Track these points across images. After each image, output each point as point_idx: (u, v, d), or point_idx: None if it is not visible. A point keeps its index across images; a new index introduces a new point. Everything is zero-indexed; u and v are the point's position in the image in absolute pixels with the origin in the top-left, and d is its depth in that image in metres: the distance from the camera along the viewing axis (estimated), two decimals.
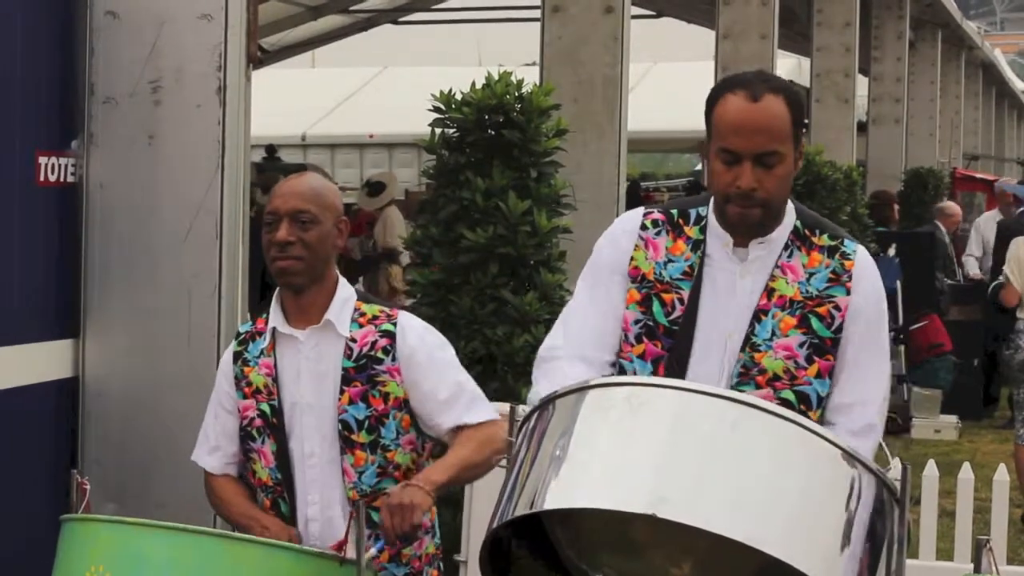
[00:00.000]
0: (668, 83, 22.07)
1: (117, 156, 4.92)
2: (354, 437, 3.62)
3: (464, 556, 5.14)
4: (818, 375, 3.26)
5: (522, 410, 2.94)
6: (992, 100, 35.56)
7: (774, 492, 2.64)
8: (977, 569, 3.08)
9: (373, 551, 3.42)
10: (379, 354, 3.63)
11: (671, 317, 3.30)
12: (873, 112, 20.73)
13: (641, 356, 3.30)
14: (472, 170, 6.04)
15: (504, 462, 2.95)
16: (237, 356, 3.75)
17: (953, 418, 12.02)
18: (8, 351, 4.68)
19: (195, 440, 3.85)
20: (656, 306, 3.31)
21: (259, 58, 5.24)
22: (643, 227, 3.38)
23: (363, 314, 3.68)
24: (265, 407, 3.68)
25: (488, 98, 6.05)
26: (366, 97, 24.38)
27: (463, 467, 3.62)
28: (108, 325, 4.95)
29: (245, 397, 3.71)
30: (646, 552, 2.85)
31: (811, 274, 3.29)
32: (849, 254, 3.32)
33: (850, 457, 2.73)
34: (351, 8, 18.89)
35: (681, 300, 3.30)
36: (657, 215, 3.39)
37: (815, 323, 3.27)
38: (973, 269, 13.97)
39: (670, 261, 3.33)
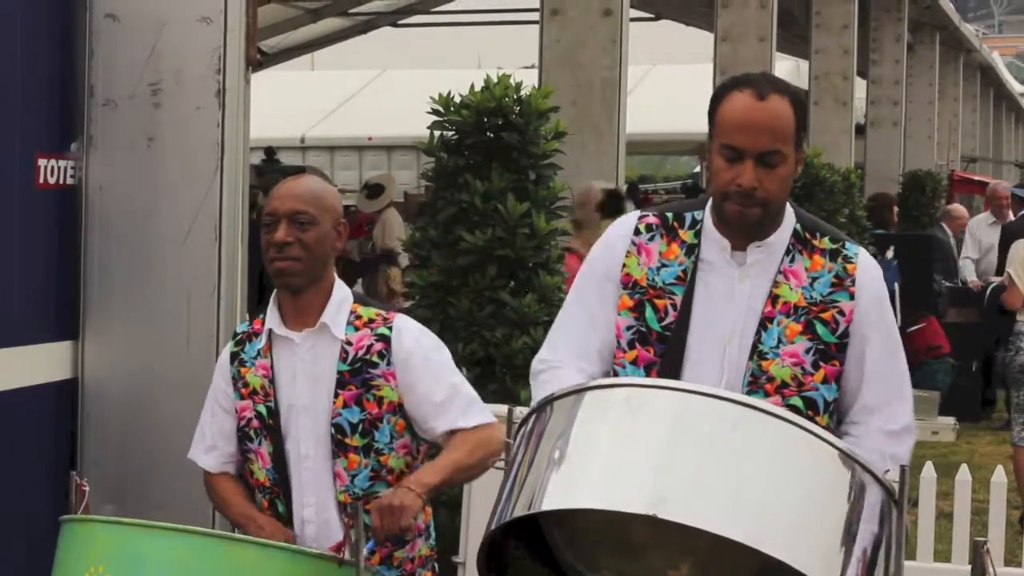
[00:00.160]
0: (667, 85, 22.11)
1: (116, 158, 4.92)
2: (348, 440, 3.62)
3: (462, 558, 5.15)
4: (824, 380, 3.26)
5: (519, 412, 2.95)
6: (990, 102, 35.58)
7: (774, 493, 2.64)
8: (974, 571, 3.08)
9: (363, 553, 3.42)
10: (374, 358, 3.63)
11: (664, 323, 3.29)
12: (871, 114, 20.75)
13: (634, 362, 3.29)
14: (471, 172, 6.05)
15: (502, 464, 2.95)
16: (234, 357, 3.75)
17: (951, 420, 12.01)
18: (7, 353, 4.68)
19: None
20: (649, 312, 3.30)
21: (258, 61, 5.24)
22: (636, 232, 3.37)
23: (359, 317, 3.68)
24: (262, 408, 3.68)
25: (487, 101, 6.06)
26: (365, 100, 24.42)
27: (455, 469, 3.62)
28: (107, 327, 4.95)
29: (242, 398, 3.71)
30: (644, 554, 2.85)
31: (814, 279, 3.28)
32: (851, 257, 3.31)
33: (849, 458, 2.74)
34: (350, 11, 18.93)
35: (674, 306, 3.29)
36: (652, 219, 3.38)
37: (820, 329, 3.26)
38: (971, 275, 13.97)
39: (663, 266, 3.32)
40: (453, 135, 6.16)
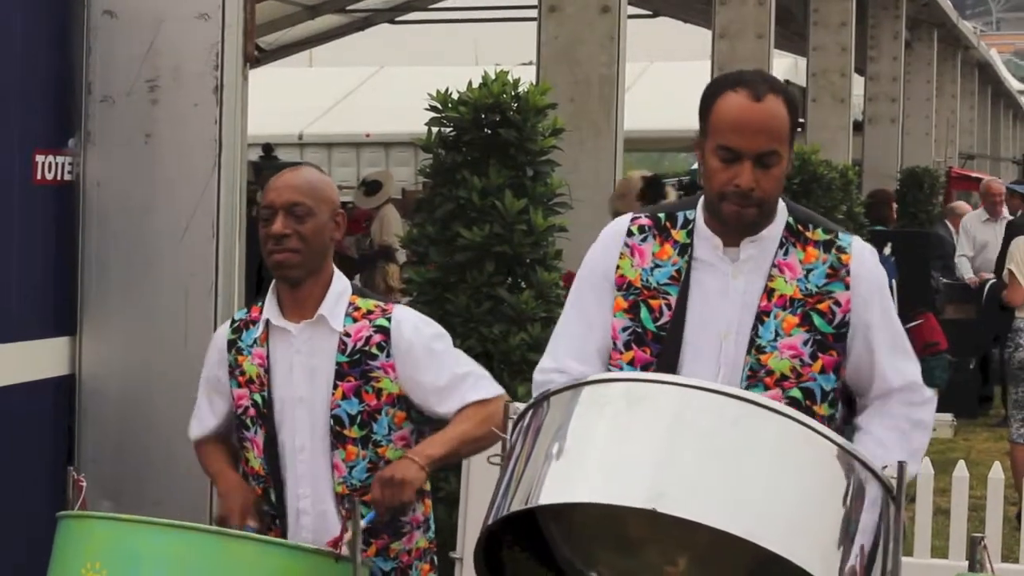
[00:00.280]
0: (664, 82, 22.07)
1: (114, 155, 4.92)
2: (346, 432, 3.62)
3: (460, 554, 5.15)
4: (823, 370, 3.26)
5: (516, 408, 2.94)
6: (988, 100, 35.60)
7: (773, 488, 2.65)
8: (972, 567, 3.08)
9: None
10: (373, 350, 3.63)
11: (659, 323, 3.28)
12: (869, 111, 20.74)
13: (630, 363, 3.28)
14: (468, 169, 6.05)
15: (498, 459, 2.95)
16: (231, 344, 3.74)
17: (948, 416, 12.02)
18: (5, 348, 4.69)
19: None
20: (644, 312, 3.30)
21: (256, 57, 5.24)
22: (629, 233, 3.36)
23: (358, 308, 3.67)
24: (257, 397, 3.68)
25: (485, 97, 6.06)
26: (363, 96, 24.39)
27: (462, 441, 3.61)
28: (105, 323, 4.95)
29: (239, 386, 3.71)
30: (642, 549, 2.84)
31: (809, 270, 3.28)
32: (845, 247, 3.31)
33: (848, 454, 2.74)
34: (348, 7, 18.90)
35: (669, 305, 3.28)
36: (644, 220, 3.38)
37: (817, 320, 3.26)
38: (967, 272, 13.96)
39: (657, 266, 3.32)
40: (451, 132, 6.15)
